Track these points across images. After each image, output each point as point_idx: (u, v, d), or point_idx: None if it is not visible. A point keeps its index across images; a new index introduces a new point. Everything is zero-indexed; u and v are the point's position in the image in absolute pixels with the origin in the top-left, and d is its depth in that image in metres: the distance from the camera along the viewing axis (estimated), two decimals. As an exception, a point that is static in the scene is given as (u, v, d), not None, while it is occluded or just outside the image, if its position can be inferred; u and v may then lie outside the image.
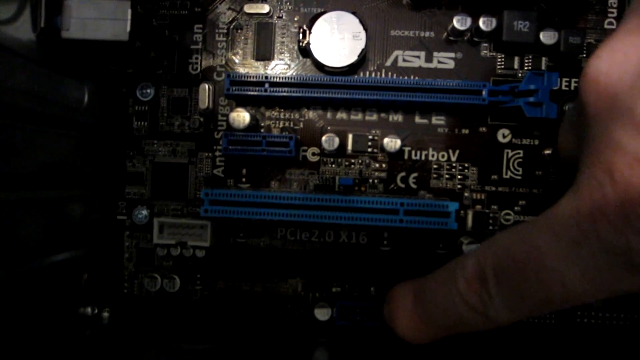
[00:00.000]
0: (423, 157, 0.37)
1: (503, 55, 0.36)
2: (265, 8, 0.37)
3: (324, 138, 0.36)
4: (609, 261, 0.20)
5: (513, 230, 0.25)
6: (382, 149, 0.36)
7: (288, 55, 0.37)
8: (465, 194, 0.37)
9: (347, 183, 0.36)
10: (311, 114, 0.37)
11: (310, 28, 0.34)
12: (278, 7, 0.37)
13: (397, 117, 0.37)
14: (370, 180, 0.37)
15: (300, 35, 0.35)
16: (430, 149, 0.37)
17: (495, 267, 0.25)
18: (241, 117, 0.35)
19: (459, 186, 0.37)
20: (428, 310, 0.29)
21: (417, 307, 0.30)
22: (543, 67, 0.36)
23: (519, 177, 0.36)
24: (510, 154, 0.37)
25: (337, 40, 0.34)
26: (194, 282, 0.38)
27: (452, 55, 0.36)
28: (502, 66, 0.36)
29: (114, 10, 0.31)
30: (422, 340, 0.30)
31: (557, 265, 0.22)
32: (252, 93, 0.34)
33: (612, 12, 0.36)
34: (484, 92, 0.34)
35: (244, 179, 0.37)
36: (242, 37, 0.37)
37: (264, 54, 0.37)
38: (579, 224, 0.21)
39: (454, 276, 0.27)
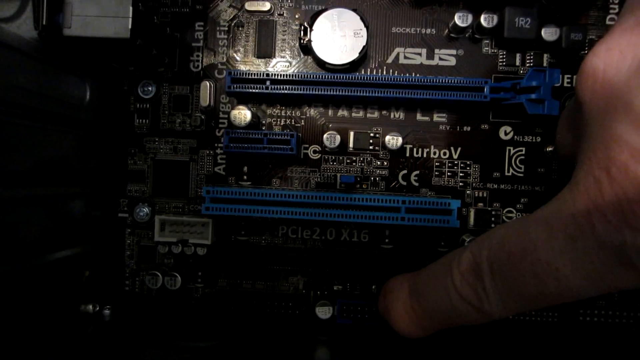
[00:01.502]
0: (425, 155, 0.37)
1: (504, 52, 0.36)
2: (266, 5, 0.37)
3: (325, 136, 0.36)
4: (604, 257, 0.20)
5: (509, 225, 0.25)
6: (384, 146, 0.36)
7: (289, 52, 0.37)
8: (467, 192, 0.37)
9: (348, 181, 0.36)
10: (312, 112, 0.37)
11: (311, 25, 0.34)
12: (279, 5, 0.37)
13: (399, 115, 0.37)
14: (372, 178, 0.37)
15: (302, 33, 0.35)
16: (432, 147, 0.37)
17: (490, 261, 0.25)
18: (242, 114, 0.35)
19: (460, 184, 0.37)
20: (423, 303, 0.29)
21: (412, 300, 0.30)
22: (545, 64, 0.36)
23: (521, 175, 0.36)
24: (512, 151, 0.36)
25: (338, 38, 0.34)
26: (195, 280, 0.38)
27: (454, 52, 0.36)
28: (504, 63, 0.36)
29: (115, 8, 0.31)
30: (417, 333, 0.30)
31: (552, 260, 0.22)
32: (253, 90, 0.34)
33: (614, 8, 0.36)
34: (485, 89, 0.33)
35: (245, 177, 0.37)
36: (243, 35, 0.37)
37: (265, 52, 0.37)
38: (575, 219, 0.21)
39: (449, 270, 0.27)
